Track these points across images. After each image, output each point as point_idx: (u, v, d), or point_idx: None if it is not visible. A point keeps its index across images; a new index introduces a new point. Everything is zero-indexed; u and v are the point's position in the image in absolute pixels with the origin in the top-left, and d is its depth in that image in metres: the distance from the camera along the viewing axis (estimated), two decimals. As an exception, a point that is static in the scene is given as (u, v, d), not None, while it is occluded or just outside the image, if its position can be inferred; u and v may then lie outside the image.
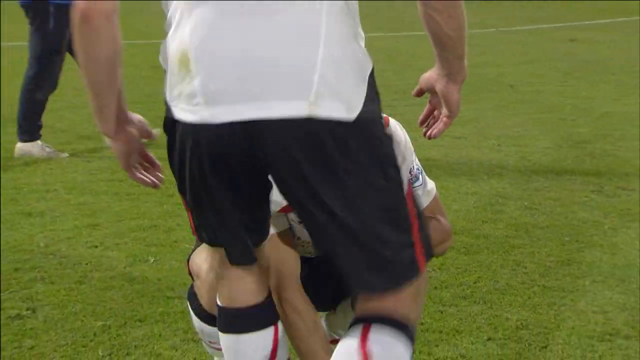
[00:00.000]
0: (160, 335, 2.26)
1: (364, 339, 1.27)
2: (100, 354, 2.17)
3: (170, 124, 1.29)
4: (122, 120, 1.37)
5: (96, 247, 3.10)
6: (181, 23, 1.25)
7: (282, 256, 1.68)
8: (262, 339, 1.45)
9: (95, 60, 1.26)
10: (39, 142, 4.67)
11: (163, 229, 3.35)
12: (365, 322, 1.30)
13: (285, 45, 1.21)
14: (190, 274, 1.81)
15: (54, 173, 4.33)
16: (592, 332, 2.28)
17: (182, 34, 1.24)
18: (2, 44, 9.45)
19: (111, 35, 1.25)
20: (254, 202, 1.37)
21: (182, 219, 3.46)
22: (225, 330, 1.46)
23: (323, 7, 1.20)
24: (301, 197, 1.28)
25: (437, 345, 2.19)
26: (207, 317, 1.72)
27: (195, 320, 1.80)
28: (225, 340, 1.47)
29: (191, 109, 1.24)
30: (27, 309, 2.46)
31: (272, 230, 1.58)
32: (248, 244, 1.39)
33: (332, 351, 1.48)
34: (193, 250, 1.81)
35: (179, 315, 2.39)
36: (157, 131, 1.54)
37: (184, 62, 1.23)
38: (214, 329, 1.65)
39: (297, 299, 1.69)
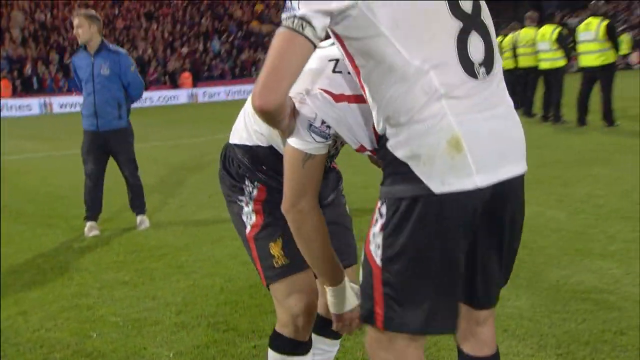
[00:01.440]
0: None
1: None
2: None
3: (415, 202, 1.49)
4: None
5: (38, 330, 3.43)
6: (437, 120, 1.48)
7: (313, 174, 1.76)
8: None
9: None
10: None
11: (83, 307, 3.75)
12: None
13: (512, 126, 1.60)
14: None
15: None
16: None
17: (446, 125, 1.48)
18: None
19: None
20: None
21: (92, 299, 3.92)
22: None
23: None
24: (505, 234, 1.64)
25: None
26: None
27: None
28: None
29: (463, 180, 1.49)
30: None
31: (316, 151, 1.73)
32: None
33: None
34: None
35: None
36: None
37: (455, 144, 1.48)
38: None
39: (319, 210, 1.83)
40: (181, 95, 30.04)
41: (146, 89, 21.09)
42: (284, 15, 1.50)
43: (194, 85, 30.76)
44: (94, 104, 5.42)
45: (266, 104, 1.50)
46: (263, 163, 2.05)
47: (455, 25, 1.53)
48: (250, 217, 2.07)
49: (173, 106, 28.13)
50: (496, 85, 1.59)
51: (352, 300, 1.95)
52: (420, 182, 1.48)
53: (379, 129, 1.58)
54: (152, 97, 28.44)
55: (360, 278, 1.64)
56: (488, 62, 1.57)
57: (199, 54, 32.76)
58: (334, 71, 1.73)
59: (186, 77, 30.83)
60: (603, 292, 3.55)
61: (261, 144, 2.02)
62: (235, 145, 2.10)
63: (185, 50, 32.47)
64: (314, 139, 1.70)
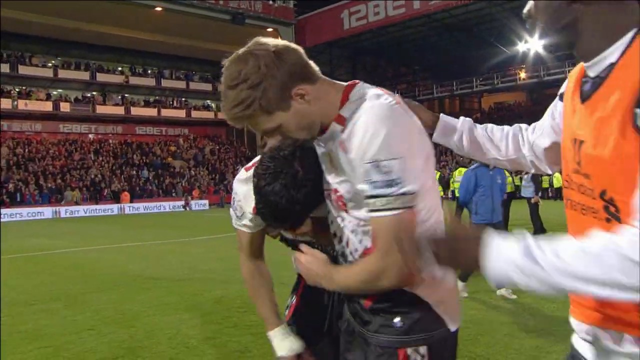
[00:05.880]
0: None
1: None
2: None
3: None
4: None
5: None
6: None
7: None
8: None
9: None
10: None
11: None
12: None
13: None
14: None
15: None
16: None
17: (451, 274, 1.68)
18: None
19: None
20: None
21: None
22: None
23: None
24: None
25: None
26: None
27: None
28: None
29: (460, 315, 1.70)
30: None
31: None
32: None
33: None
34: None
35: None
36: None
37: (457, 284, 1.76)
38: None
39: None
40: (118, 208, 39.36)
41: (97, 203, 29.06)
42: (387, 196, 1.45)
43: (131, 201, 40.21)
44: None
45: (400, 284, 1.57)
46: None
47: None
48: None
49: (121, 216, 35.45)
50: None
51: (284, 347, 2.07)
52: (444, 324, 1.65)
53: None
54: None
55: None
56: None
57: (134, 179, 43.47)
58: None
59: (126, 195, 40.97)
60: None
61: None
62: None
63: (124, 176, 43.51)
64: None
